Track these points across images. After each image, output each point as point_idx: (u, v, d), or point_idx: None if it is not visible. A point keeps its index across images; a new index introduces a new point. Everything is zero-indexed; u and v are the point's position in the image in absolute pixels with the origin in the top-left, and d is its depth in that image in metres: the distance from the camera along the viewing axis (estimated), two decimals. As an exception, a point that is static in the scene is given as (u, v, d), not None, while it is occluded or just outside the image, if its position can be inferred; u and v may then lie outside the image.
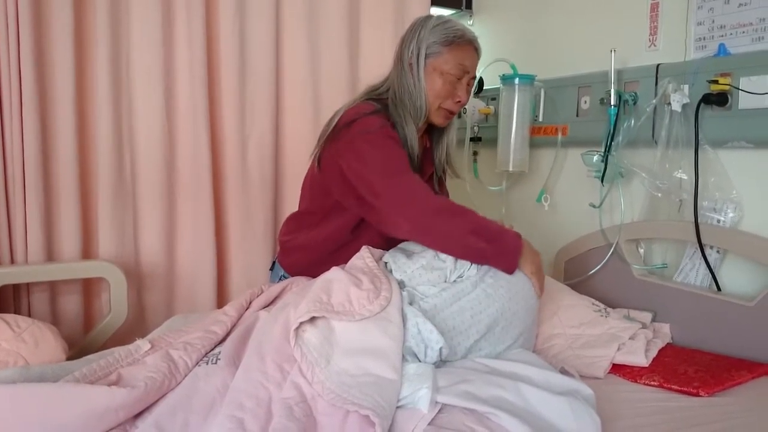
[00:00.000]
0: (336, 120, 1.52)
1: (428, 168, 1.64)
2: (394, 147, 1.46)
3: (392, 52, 2.12)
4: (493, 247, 1.35)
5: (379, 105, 1.53)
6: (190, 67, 1.89)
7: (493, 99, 2.27)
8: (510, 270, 1.36)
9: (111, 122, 1.81)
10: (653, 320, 1.68)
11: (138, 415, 1.08)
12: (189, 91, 1.90)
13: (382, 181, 1.41)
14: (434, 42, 1.50)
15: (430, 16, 1.56)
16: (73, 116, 1.76)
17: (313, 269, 1.47)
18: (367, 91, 1.61)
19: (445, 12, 2.52)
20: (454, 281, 1.36)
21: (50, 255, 1.77)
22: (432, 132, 1.67)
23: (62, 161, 1.76)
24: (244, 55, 1.98)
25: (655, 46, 1.80)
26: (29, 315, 1.74)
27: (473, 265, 1.38)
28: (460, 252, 1.37)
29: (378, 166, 1.43)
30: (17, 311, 1.76)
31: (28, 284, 1.76)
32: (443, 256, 1.39)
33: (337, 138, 1.50)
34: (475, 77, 1.59)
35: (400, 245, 1.51)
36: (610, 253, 1.83)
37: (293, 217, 1.71)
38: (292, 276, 1.63)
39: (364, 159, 1.44)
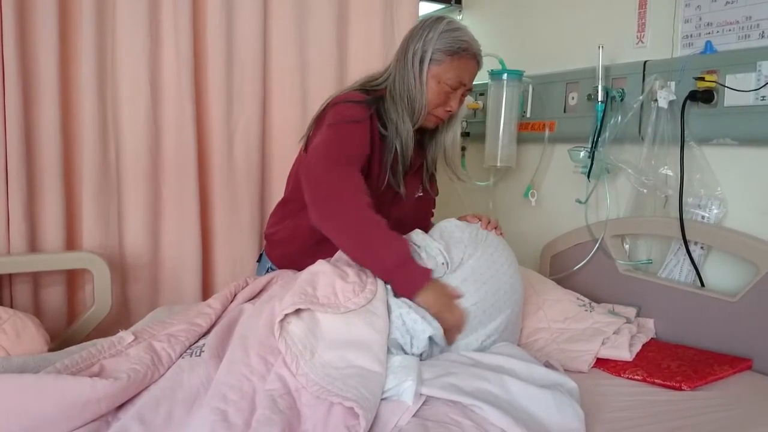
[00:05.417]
0: (325, 104, 1.53)
1: (416, 160, 1.63)
2: (352, 139, 1.45)
3: (381, 42, 2.16)
4: (380, 270, 1.30)
5: (371, 96, 1.52)
6: (176, 56, 1.87)
7: (482, 94, 2.28)
8: (408, 295, 1.28)
9: (95, 111, 1.79)
10: (637, 315, 1.69)
11: (120, 407, 1.07)
12: (175, 81, 1.88)
13: (317, 168, 1.40)
14: (439, 49, 1.47)
15: (440, 18, 1.51)
16: (57, 105, 1.74)
17: (299, 261, 1.46)
18: (365, 81, 1.59)
19: (434, 6, 2.52)
20: (441, 276, 1.36)
21: (33, 245, 1.75)
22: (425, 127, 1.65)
23: (46, 150, 1.74)
24: (232, 45, 1.97)
25: (642, 42, 1.81)
26: (11, 306, 1.72)
27: (455, 257, 1.38)
28: (353, 257, 1.35)
29: (328, 152, 1.42)
30: (-1, 302, 1.74)
31: (10, 275, 1.74)
32: (429, 249, 1.39)
33: (321, 122, 1.51)
34: (471, 89, 1.57)
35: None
36: (595, 249, 1.84)
37: (277, 208, 1.70)
38: (279, 268, 1.62)
39: (321, 143, 1.44)
